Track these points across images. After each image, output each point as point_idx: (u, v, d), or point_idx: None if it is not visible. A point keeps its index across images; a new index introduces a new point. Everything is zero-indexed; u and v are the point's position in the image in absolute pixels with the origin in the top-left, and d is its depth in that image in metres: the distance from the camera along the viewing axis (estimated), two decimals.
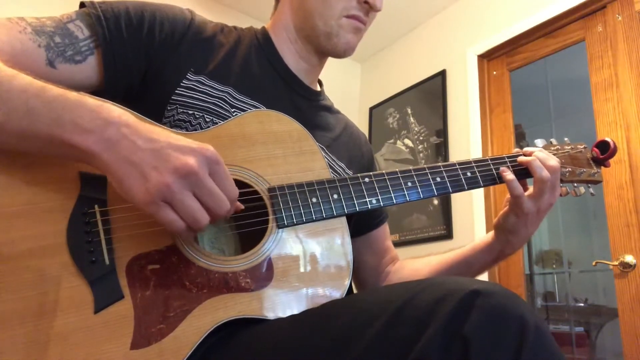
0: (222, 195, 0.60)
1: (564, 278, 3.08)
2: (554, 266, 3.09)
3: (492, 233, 0.94)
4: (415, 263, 1.03)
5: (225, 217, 0.63)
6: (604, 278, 2.66)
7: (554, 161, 0.86)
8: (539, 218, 0.88)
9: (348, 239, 0.78)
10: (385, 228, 1.08)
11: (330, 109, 1.01)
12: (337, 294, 0.74)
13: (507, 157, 0.90)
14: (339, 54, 0.91)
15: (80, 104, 0.59)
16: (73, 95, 0.60)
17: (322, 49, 0.92)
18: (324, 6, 0.87)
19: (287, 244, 0.73)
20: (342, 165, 0.94)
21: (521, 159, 0.88)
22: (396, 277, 1.02)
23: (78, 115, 0.58)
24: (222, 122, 0.76)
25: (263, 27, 0.96)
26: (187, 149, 0.58)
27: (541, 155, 0.87)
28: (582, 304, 2.97)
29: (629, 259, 1.92)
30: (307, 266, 0.73)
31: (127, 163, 0.57)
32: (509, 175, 0.85)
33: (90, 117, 0.58)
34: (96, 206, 0.63)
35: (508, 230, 0.90)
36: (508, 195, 0.88)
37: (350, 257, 0.77)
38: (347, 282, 0.75)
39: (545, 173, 0.84)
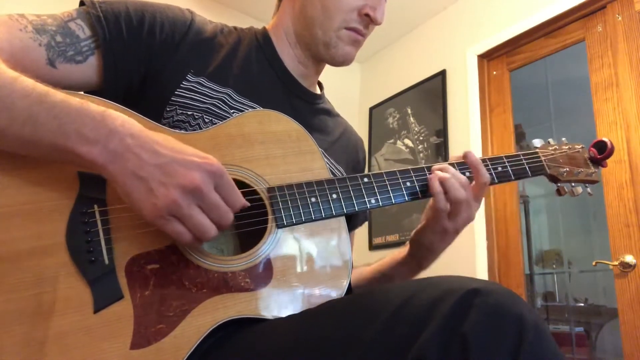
0: (226, 208, 0.61)
1: (564, 278, 3.07)
2: (554, 266, 3.09)
3: (408, 247, 0.92)
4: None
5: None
6: (604, 278, 2.66)
7: (462, 191, 0.79)
8: (456, 234, 0.85)
9: (347, 239, 0.78)
10: (352, 235, 1.06)
11: (329, 112, 1.01)
12: (336, 293, 0.74)
13: (504, 156, 0.90)
14: (337, 64, 0.92)
15: (83, 112, 0.59)
16: (76, 101, 0.60)
17: (320, 57, 0.92)
18: (324, 16, 0.86)
19: (287, 243, 0.73)
20: (341, 168, 0.94)
21: (439, 174, 0.80)
22: None
23: (81, 124, 0.58)
24: (221, 122, 0.76)
25: (264, 28, 0.95)
26: (192, 164, 0.59)
27: (452, 182, 0.79)
28: (582, 304, 2.97)
29: (629, 259, 1.92)
30: (306, 266, 0.73)
31: (134, 177, 0.58)
32: (438, 187, 0.80)
33: (94, 125, 0.58)
34: (95, 206, 0.63)
35: (425, 247, 0.87)
36: (427, 207, 0.85)
37: (349, 256, 0.77)
38: (345, 282, 0.75)
39: (461, 193, 0.79)
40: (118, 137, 0.58)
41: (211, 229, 0.60)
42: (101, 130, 0.58)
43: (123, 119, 0.60)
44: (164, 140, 0.61)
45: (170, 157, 0.59)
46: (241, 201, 0.63)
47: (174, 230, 0.59)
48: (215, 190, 0.60)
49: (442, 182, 0.79)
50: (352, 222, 1.02)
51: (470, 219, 0.83)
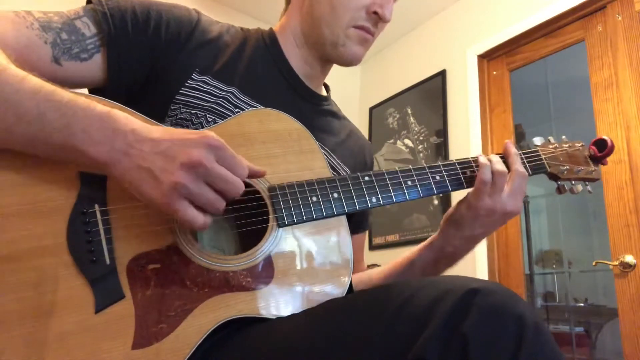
0: (233, 177, 0.61)
1: (564, 278, 3.08)
2: (554, 266, 3.09)
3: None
4: (372, 272, 1.01)
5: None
6: (604, 278, 2.66)
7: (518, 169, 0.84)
8: (489, 221, 0.84)
9: (348, 238, 0.78)
10: (361, 237, 1.06)
11: (336, 114, 1.00)
12: (337, 292, 0.74)
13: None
14: (345, 64, 0.91)
15: (90, 112, 0.60)
16: (82, 101, 0.60)
17: (328, 57, 0.91)
18: (332, 15, 0.86)
19: (288, 242, 0.73)
20: (347, 169, 0.94)
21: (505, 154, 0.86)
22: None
23: (88, 124, 0.59)
24: (222, 121, 0.76)
25: (270, 29, 0.95)
26: (189, 142, 0.59)
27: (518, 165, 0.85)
28: (582, 304, 2.97)
29: (629, 259, 1.92)
30: (307, 265, 0.73)
31: (139, 170, 0.58)
32: (483, 159, 0.83)
33: (100, 125, 0.59)
34: (96, 206, 0.63)
35: (454, 221, 0.86)
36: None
37: (350, 255, 0.77)
38: (347, 281, 0.75)
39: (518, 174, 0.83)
40: (122, 135, 0.59)
41: (221, 201, 0.60)
42: (106, 131, 0.59)
43: (126, 117, 0.61)
44: (162, 130, 0.61)
45: (168, 142, 0.59)
46: (244, 169, 0.62)
47: (186, 216, 0.58)
48: (218, 163, 0.60)
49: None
50: (357, 224, 1.01)
51: (516, 206, 0.82)
